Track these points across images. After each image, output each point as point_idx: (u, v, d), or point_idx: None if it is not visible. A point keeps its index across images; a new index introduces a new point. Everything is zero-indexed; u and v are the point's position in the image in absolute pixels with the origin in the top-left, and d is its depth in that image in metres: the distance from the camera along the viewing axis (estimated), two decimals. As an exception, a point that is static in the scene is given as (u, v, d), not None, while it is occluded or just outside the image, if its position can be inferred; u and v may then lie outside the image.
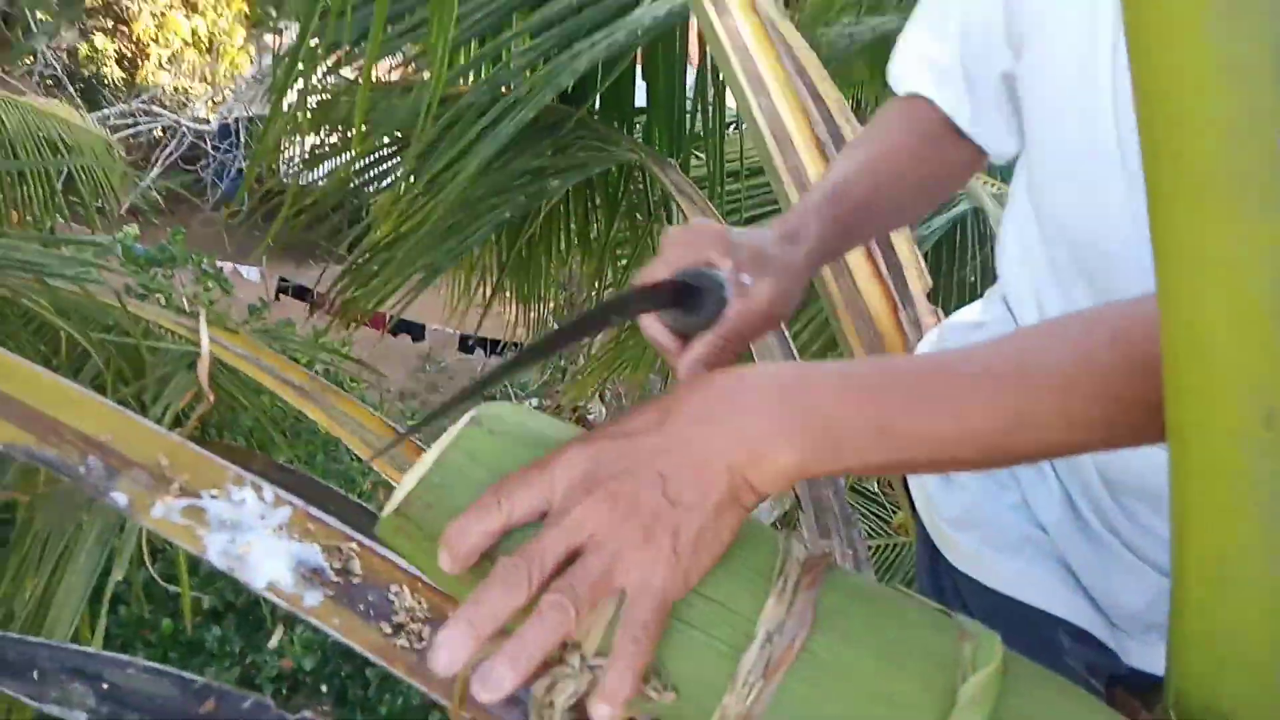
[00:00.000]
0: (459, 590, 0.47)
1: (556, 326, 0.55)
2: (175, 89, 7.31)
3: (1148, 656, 0.76)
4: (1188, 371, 0.35)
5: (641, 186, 2.23)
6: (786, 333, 1.10)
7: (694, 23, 1.85)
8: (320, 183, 2.16)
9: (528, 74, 1.77)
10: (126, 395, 1.52)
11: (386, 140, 2.09)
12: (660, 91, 2.03)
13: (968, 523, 0.82)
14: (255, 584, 0.70)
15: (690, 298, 0.63)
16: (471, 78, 1.94)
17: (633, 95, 2.12)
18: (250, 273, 5.81)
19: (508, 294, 2.53)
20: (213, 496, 0.72)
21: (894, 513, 2.86)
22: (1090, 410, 0.44)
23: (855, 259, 1.05)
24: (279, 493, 0.75)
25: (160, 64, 7.22)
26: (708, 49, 1.68)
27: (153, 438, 0.74)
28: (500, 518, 0.44)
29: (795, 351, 1.13)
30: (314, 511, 0.74)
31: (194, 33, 7.24)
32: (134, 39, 7.07)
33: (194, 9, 7.24)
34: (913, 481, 0.92)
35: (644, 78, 2.04)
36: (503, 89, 1.81)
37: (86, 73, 7.03)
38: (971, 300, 0.92)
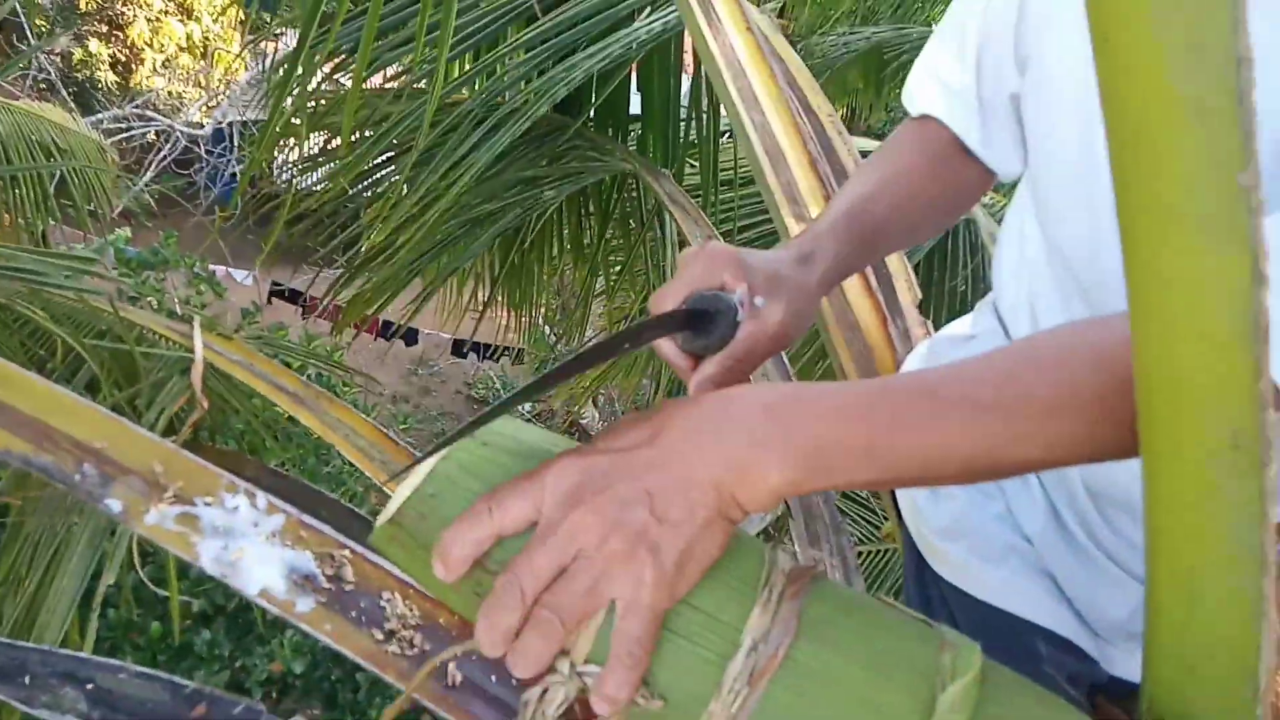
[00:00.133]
0: (451, 598, 0.48)
1: (575, 353, 0.56)
2: (169, 94, 7.30)
3: (1130, 665, 0.78)
4: (1159, 395, 0.36)
5: (635, 195, 2.24)
6: (783, 352, 1.11)
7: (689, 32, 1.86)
8: (316, 188, 2.17)
9: (523, 85, 1.78)
10: (121, 400, 1.52)
11: (382, 149, 2.10)
12: (655, 101, 2.04)
13: (955, 533, 0.83)
14: (248, 591, 0.70)
15: (702, 321, 0.65)
16: (466, 91, 1.95)
17: (627, 103, 2.13)
18: (243, 276, 5.81)
19: (501, 300, 2.54)
20: (206, 504, 0.72)
21: (885, 519, 2.87)
22: (1071, 432, 0.46)
23: (845, 271, 1.05)
24: (271, 500, 0.75)
25: (155, 69, 7.21)
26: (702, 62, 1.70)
27: (147, 445, 0.74)
28: (491, 527, 0.45)
29: (787, 361, 1.14)
30: (306, 519, 0.75)
31: (188, 37, 7.24)
32: (128, 44, 7.06)
33: (189, 15, 7.23)
34: (900, 492, 0.93)
35: (639, 88, 2.05)
36: (498, 98, 1.82)
37: (80, 77, 7.01)
38: (963, 310, 0.93)
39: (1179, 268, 0.31)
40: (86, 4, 6.95)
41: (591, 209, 2.29)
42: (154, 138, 6.97)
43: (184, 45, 7.25)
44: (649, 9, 1.85)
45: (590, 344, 0.64)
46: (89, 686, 0.72)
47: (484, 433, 0.50)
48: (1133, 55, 0.28)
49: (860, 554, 2.75)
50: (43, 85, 6.64)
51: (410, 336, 6.17)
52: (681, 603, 0.45)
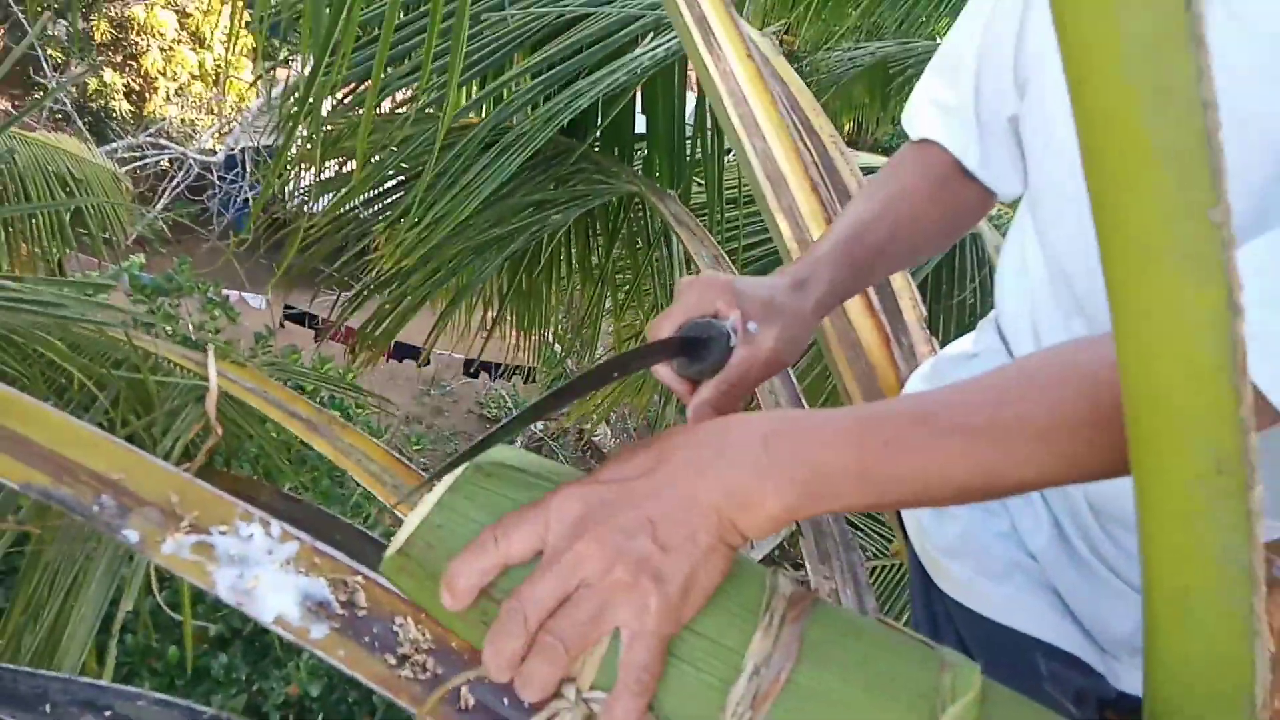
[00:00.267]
0: (458, 626, 0.50)
1: (575, 376, 0.58)
2: (182, 121, 7.39)
3: (1136, 680, 0.77)
4: (1145, 423, 0.37)
5: (641, 215, 2.26)
6: (790, 370, 1.12)
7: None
8: (328, 213, 2.20)
9: (529, 110, 1.80)
10: (137, 429, 1.54)
11: (392, 173, 2.13)
12: (660, 123, 2.06)
13: (960, 551, 0.83)
14: (263, 618, 0.71)
15: (696, 347, 0.67)
16: (474, 116, 1.98)
17: (632, 124, 2.15)
18: (256, 300, 5.87)
19: (510, 320, 2.57)
20: (221, 532, 0.73)
21: (895, 535, 2.86)
22: (1064, 454, 0.47)
23: (849, 291, 1.06)
24: (286, 527, 0.76)
25: (168, 97, 7.30)
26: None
27: (163, 475, 0.75)
28: (497, 557, 0.46)
29: (794, 379, 1.14)
30: (319, 545, 0.76)
31: (201, 65, 7.33)
32: (142, 73, 7.16)
33: (201, 44, 7.33)
34: (905, 511, 0.93)
35: (644, 110, 2.07)
36: (506, 122, 1.84)
37: (95, 106, 7.11)
38: (971, 323, 0.94)
39: (1160, 302, 0.33)
40: (101, 35, 7.06)
41: (599, 230, 2.31)
42: (167, 165, 7.05)
43: (196, 73, 7.34)
44: (652, 35, 1.88)
45: (585, 370, 0.67)
46: (108, 714, 0.74)
47: (489, 463, 0.51)
48: (1106, 101, 0.29)
49: (871, 570, 2.74)
50: (58, 115, 6.74)
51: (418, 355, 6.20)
52: (685, 629, 0.46)
